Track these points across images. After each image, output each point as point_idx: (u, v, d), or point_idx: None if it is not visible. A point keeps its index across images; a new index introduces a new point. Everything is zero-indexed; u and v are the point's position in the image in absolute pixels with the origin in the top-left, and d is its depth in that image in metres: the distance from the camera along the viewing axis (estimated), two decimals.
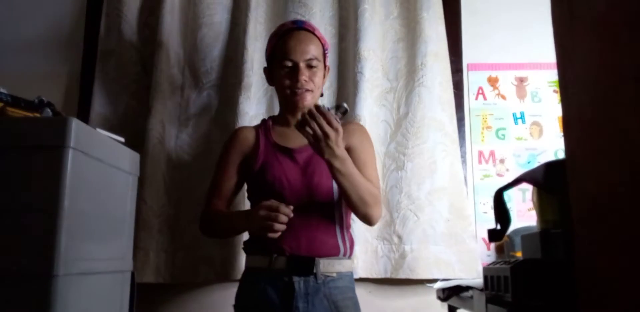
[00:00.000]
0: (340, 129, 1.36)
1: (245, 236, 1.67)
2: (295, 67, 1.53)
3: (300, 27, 1.56)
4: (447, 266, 1.89)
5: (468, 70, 2.14)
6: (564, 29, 0.86)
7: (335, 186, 1.48)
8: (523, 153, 2.07)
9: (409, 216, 1.91)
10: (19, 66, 2.13)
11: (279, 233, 1.36)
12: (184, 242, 1.94)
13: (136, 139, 1.94)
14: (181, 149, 2.03)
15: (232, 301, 1.52)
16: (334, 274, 1.47)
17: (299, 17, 2.02)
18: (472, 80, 2.13)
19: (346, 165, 1.39)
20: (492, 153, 2.08)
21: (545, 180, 1.04)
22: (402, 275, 1.88)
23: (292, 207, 1.35)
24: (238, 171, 1.58)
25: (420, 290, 1.94)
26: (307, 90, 1.53)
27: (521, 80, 2.13)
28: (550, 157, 2.05)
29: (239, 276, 1.73)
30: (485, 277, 1.10)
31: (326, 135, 1.33)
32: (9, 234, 1.13)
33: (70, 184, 1.15)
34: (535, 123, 2.09)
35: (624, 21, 0.67)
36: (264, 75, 2.05)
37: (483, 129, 2.10)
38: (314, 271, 1.44)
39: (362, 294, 1.69)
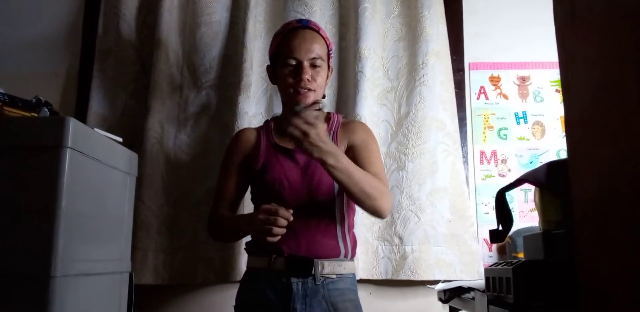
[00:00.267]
0: (318, 123, 1.31)
1: (248, 237, 1.66)
2: (299, 65, 1.51)
3: (305, 26, 1.55)
4: (448, 267, 1.88)
5: (469, 69, 2.13)
6: (565, 28, 0.85)
7: (336, 186, 1.47)
8: (525, 153, 2.06)
9: (410, 216, 1.90)
10: (16, 65, 2.12)
11: (279, 237, 1.34)
12: (183, 242, 1.93)
13: (134, 139, 1.93)
14: (180, 148, 2.02)
15: (233, 302, 1.52)
16: (334, 276, 1.45)
17: (299, 16, 2.01)
18: (474, 79, 2.12)
19: (339, 160, 1.36)
20: (494, 153, 2.07)
21: (548, 180, 1.03)
22: (403, 276, 1.87)
23: (291, 210, 1.34)
24: (241, 172, 1.57)
25: (421, 291, 1.93)
26: (310, 89, 1.52)
27: (523, 79, 2.11)
28: (553, 157, 2.04)
29: (238, 277, 1.72)
30: (487, 279, 1.09)
31: (305, 134, 1.30)
32: (5, 234, 1.13)
33: (68, 184, 1.15)
34: (538, 123, 2.08)
35: (625, 21, 0.67)
36: (263, 75, 2.04)
37: (485, 128, 2.08)
38: (313, 273, 1.43)
39: (363, 295, 1.68)
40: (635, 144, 0.64)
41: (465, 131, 2.08)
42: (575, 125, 0.83)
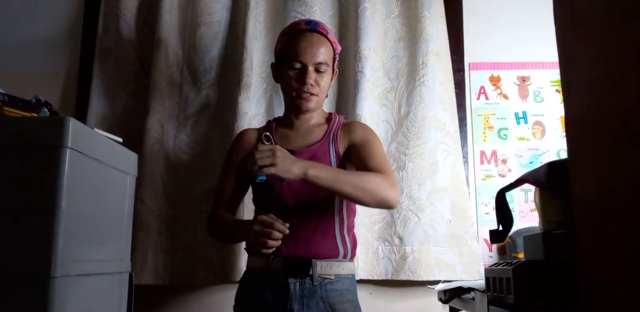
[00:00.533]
0: (259, 146, 1.36)
1: None
2: (304, 69, 1.51)
3: (313, 29, 1.54)
4: (448, 268, 1.88)
5: (469, 69, 2.13)
6: (566, 29, 0.85)
7: None
8: (525, 153, 2.06)
9: (410, 216, 1.90)
10: (16, 65, 2.12)
11: (273, 249, 1.34)
12: (183, 243, 1.93)
13: (134, 139, 1.93)
14: (180, 148, 2.02)
15: (233, 302, 1.52)
16: (332, 277, 1.45)
17: (299, 16, 2.01)
18: (474, 79, 2.12)
19: (316, 166, 1.37)
20: (494, 153, 2.07)
21: (548, 180, 1.03)
22: (403, 276, 1.87)
23: (288, 224, 1.33)
24: (241, 173, 1.57)
25: (421, 292, 1.93)
26: (313, 94, 1.52)
27: (523, 79, 2.11)
28: (553, 158, 2.04)
29: (238, 277, 1.72)
30: (487, 279, 1.09)
31: (272, 164, 1.31)
32: (5, 235, 1.13)
33: (68, 184, 1.14)
34: (538, 123, 2.08)
35: (625, 21, 0.67)
36: (263, 75, 2.04)
37: (485, 128, 2.08)
38: (310, 273, 1.43)
39: (363, 295, 1.68)
40: (635, 144, 0.64)
41: (466, 131, 2.08)
42: (575, 125, 0.83)
